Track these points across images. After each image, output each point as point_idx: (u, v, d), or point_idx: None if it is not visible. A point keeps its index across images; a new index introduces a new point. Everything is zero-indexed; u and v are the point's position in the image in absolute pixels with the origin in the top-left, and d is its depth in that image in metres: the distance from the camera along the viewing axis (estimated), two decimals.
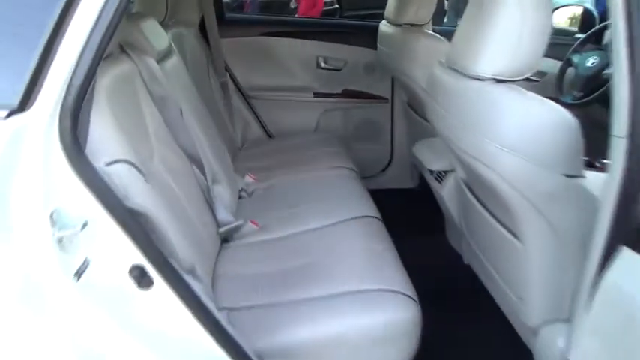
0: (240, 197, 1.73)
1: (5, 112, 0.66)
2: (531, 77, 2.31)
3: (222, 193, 1.53)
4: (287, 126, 2.37)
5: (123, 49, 1.27)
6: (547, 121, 0.95)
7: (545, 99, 0.98)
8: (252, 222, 1.51)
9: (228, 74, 2.30)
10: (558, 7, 2.53)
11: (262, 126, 2.39)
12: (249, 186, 1.80)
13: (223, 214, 1.44)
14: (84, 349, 0.71)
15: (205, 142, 1.57)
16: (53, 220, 0.69)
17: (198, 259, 1.17)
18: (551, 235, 1.01)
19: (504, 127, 0.97)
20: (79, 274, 0.72)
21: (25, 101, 0.68)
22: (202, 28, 2.19)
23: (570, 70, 2.02)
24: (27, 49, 0.69)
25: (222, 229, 1.42)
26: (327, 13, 5.51)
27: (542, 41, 0.98)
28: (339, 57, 2.36)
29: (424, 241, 1.89)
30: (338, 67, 2.37)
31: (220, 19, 2.24)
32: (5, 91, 0.67)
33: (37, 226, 0.68)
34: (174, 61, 1.60)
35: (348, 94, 2.40)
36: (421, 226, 2.00)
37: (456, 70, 1.12)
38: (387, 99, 2.40)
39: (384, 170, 2.49)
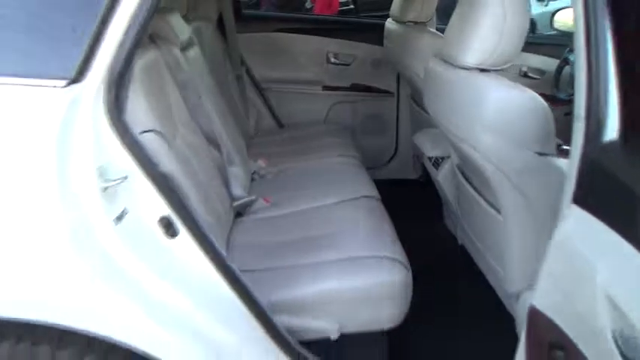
0: (252, 179, 1.88)
1: (64, 82, 0.81)
2: (532, 75, 2.45)
3: (237, 173, 1.68)
4: (298, 117, 2.51)
5: (151, 39, 1.43)
6: (522, 105, 1.07)
7: (521, 87, 1.11)
8: (263, 199, 1.66)
9: (243, 67, 2.45)
10: (562, 9, 2.64)
11: (274, 116, 2.53)
12: (261, 169, 1.95)
13: (238, 190, 1.59)
14: (116, 279, 0.86)
15: (222, 126, 1.72)
16: (99, 172, 0.84)
17: (215, 227, 1.32)
18: (526, 207, 1.13)
19: (485, 111, 1.10)
20: (118, 219, 0.88)
21: (80, 74, 0.83)
22: (220, 23, 2.35)
23: (567, 69, 2.13)
24: (82, 35, 0.84)
25: (236, 203, 1.56)
26: (342, 14, 5.62)
27: (520, 37, 1.11)
28: (348, 53, 2.50)
29: (424, 226, 2.02)
30: (347, 63, 2.51)
31: (237, 15, 2.39)
32: (65, 66, 0.82)
33: (87, 176, 0.83)
34: (195, 51, 1.75)
35: (355, 88, 2.53)
36: (422, 213, 2.12)
37: (447, 61, 1.26)
38: (392, 93, 2.53)
39: (388, 161, 2.62)
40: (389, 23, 2.22)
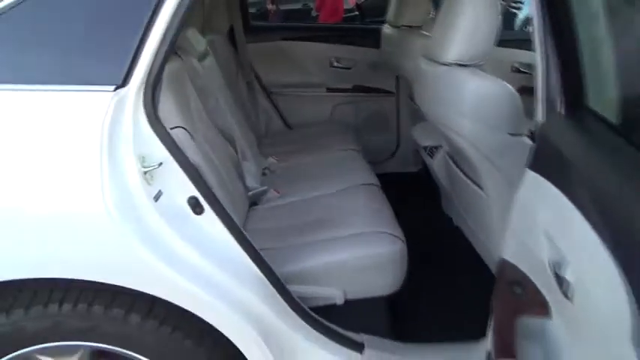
0: (264, 174, 2.07)
1: (113, 87, 1.01)
2: (523, 70, 2.59)
3: (249, 167, 1.87)
4: (304, 117, 2.70)
5: (175, 51, 1.63)
6: (495, 93, 1.25)
7: (494, 78, 1.28)
8: (274, 190, 1.85)
9: (253, 74, 2.65)
10: None
11: (282, 118, 2.72)
12: (272, 165, 2.14)
13: (252, 182, 1.78)
14: (153, 244, 1.04)
15: (236, 126, 1.92)
16: (141, 159, 1.04)
17: (232, 212, 1.50)
18: (502, 182, 1.30)
19: (464, 99, 1.28)
20: (156, 198, 1.07)
21: (124, 81, 1.02)
22: (231, 34, 2.56)
23: None
24: (126, 51, 1.04)
25: (251, 192, 1.75)
26: (347, 20, 5.83)
27: (491, 37, 1.30)
28: (349, 57, 2.69)
29: (423, 211, 2.19)
30: (348, 66, 2.69)
31: (246, 27, 2.60)
32: (113, 75, 1.02)
33: (131, 161, 1.02)
34: (210, 60, 1.96)
35: (357, 89, 2.72)
36: (421, 200, 2.30)
37: (432, 59, 1.44)
38: (392, 93, 2.71)
39: (391, 156, 2.80)
40: (385, 28, 2.41)
